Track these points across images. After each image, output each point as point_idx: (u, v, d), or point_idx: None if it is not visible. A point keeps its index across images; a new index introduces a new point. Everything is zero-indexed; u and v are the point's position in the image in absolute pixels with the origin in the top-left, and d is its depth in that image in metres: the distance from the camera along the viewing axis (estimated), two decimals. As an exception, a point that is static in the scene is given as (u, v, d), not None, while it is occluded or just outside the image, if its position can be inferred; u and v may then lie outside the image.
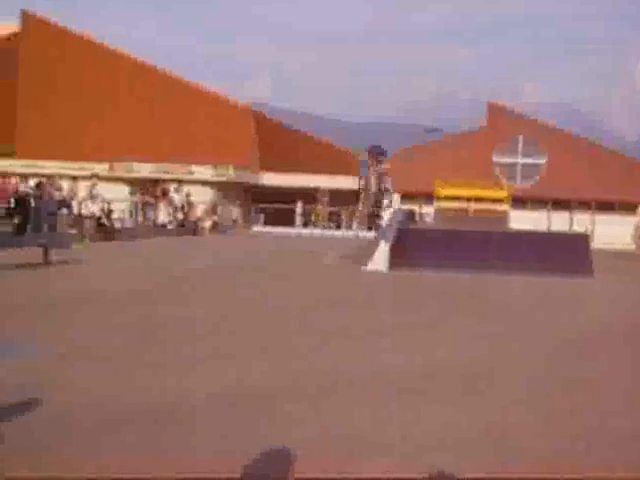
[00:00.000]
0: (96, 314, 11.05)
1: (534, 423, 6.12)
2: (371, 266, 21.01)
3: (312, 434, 5.50)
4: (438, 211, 33.24)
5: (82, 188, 31.86)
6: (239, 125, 50.92)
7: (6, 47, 51.44)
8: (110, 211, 31.18)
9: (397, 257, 21.32)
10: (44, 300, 12.19)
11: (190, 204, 41.91)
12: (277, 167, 50.68)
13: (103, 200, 30.87)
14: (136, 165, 48.01)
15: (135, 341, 8.99)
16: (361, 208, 50.52)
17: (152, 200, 40.54)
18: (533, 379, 7.88)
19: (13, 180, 26.50)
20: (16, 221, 23.98)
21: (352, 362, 8.28)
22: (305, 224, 49.58)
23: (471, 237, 23.94)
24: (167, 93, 51.07)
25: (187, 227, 39.18)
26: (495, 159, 50.28)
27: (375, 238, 26.23)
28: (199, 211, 43.07)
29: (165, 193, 41.43)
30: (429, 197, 38.24)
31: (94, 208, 29.66)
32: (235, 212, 49.88)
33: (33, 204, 25.13)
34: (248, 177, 49.74)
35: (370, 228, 45.07)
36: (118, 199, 37.06)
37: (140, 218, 38.82)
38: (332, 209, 50.85)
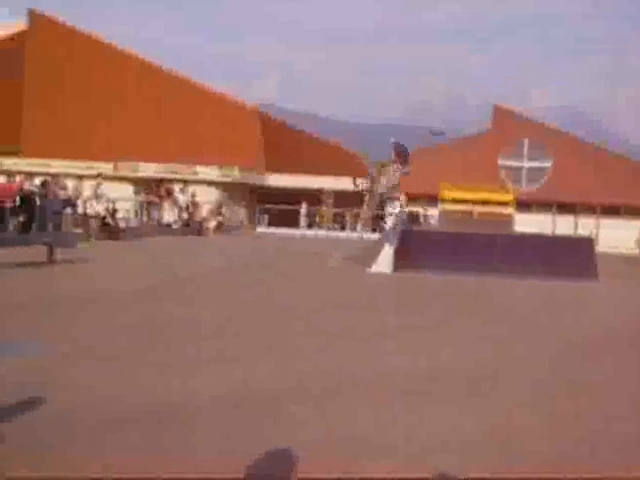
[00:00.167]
0: (100, 313, 11.05)
1: (538, 426, 6.12)
2: (375, 268, 21.00)
3: (317, 435, 5.50)
4: (443, 213, 33.18)
5: (87, 187, 31.92)
6: (245, 126, 50.94)
7: (12, 46, 51.52)
8: (115, 210, 31.22)
9: (401, 259, 21.32)
10: (48, 299, 12.20)
11: (195, 204, 41.93)
12: (282, 168, 50.68)
13: (108, 199, 30.92)
14: (141, 165, 48.04)
15: (140, 341, 8.99)
16: (365, 210, 50.46)
17: (157, 200, 40.56)
18: (537, 382, 7.87)
19: (18, 178, 26.45)
20: (21, 219, 24.01)
21: (357, 364, 8.27)
22: (310, 225, 49.56)
23: (476, 240, 23.90)
24: (174, 94, 51.12)
25: (192, 227, 39.19)
26: (501, 162, 50.16)
27: (379, 240, 26.21)
28: (204, 211, 43.09)
29: (170, 193, 41.44)
30: (434, 199, 38.19)
31: (99, 207, 29.70)
32: (241, 213, 49.89)
33: (38, 203, 25.18)
34: (253, 178, 49.75)
35: (374, 230, 45.03)
36: (123, 198, 37.10)
37: (145, 218, 38.85)
38: (337, 210, 50.82)
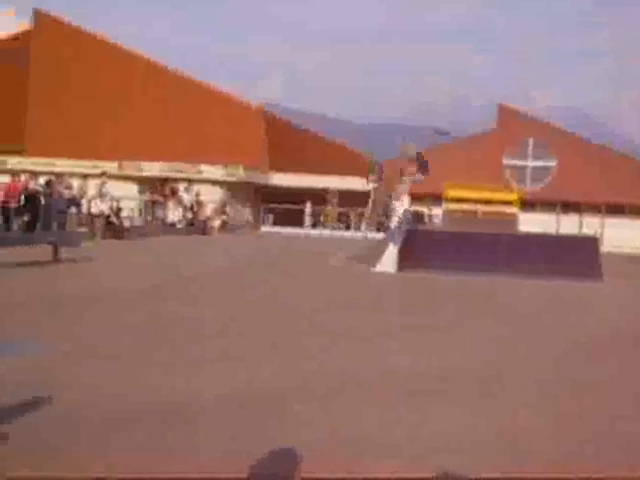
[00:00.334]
0: (104, 312, 11.06)
1: (543, 426, 6.11)
2: (380, 267, 20.99)
3: (321, 435, 5.50)
4: (447, 213, 33.15)
5: (92, 186, 31.95)
6: (250, 126, 50.95)
7: (16, 46, 51.57)
8: (119, 209, 31.24)
9: (406, 259, 21.30)
10: (52, 297, 12.21)
11: (199, 203, 41.96)
12: (287, 167, 50.68)
13: (112, 198, 30.95)
14: (145, 164, 48.08)
15: (144, 340, 8.99)
16: (370, 210, 50.47)
17: (161, 199, 40.62)
18: (542, 382, 7.86)
19: (23, 178, 26.50)
20: (26, 219, 24.08)
21: (361, 364, 8.27)
22: (314, 225, 49.59)
23: (480, 239, 23.88)
24: (181, 94, 51.14)
25: (196, 226, 39.23)
26: (505, 162, 50.21)
27: (384, 239, 26.21)
28: (208, 210, 43.12)
29: (174, 192, 41.49)
30: (438, 199, 38.16)
31: (103, 206, 29.73)
32: (246, 212, 49.91)
33: (43, 202, 25.24)
34: (258, 177, 49.76)
35: (379, 229, 45.04)
36: (127, 197, 37.14)
37: (149, 217, 38.89)
38: (341, 210, 50.83)
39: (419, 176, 31.62)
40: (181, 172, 47.47)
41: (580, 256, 22.92)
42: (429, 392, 7.07)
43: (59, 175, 31.56)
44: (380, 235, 36.71)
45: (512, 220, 31.73)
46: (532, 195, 47.95)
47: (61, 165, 44.99)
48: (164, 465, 4.76)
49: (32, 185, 26.15)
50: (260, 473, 4.69)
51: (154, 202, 40.34)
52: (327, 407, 6.34)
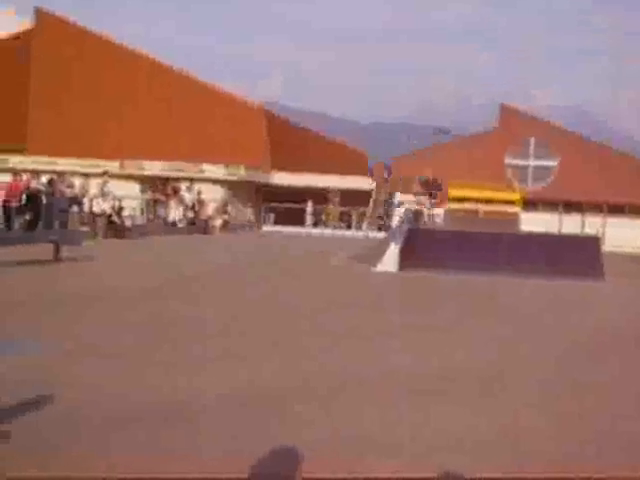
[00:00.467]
0: (106, 311, 11.06)
1: (545, 426, 6.10)
2: (381, 267, 20.98)
3: (322, 435, 5.50)
4: (448, 212, 33.14)
5: (93, 185, 31.95)
6: (252, 125, 50.97)
7: (17, 45, 51.59)
8: (121, 208, 31.24)
9: (407, 258, 21.29)
10: (53, 296, 12.22)
11: (201, 202, 41.97)
12: (288, 166, 50.70)
13: (114, 198, 30.95)
14: (147, 163, 48.09)
15: (145, 339, 8.99)
16: (371, 209, 50.51)
17: (163, 198, 40.62)
18: (544, 382, 7.86)
19: (25, 177, 26.50)
20: (27, 218, 24.05)
21: (362, 363, 8.27)
22: (315, 224, 49.60)
23: (481, 239, 23.86)
24: (185, 94, 51.17)
25: (198, 225, 39.24)
26: (507, 161, 50.20)
27: (385, 239, 26.20)
28: (210, 209, 43.13)
29: (176, 191, 41.49)
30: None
31: (105, 206, 29.73)
32: (248, 212, 49.92)
33: (44, 201, 25.21)
34: (259, 176, 49.77)
35: (380, 229, 45.06)
36: (129, 197, 37.15)
37: (151, 216, 38.89)
38: (343, 209, 50.83)
39: (431, 202, 32.25)
40: (182, 171, 47.49)
41: (582, 256, 22.90)
42: (430, 391, 7.07)
43: (61, 174, 31.54)
44: (382, 234, 36.72)
45: (514, 219, 31.70)
46: (534, 194, 47.94)
47: (63, 164, 44.98)
48: (165, 465, 4.76)
49: (34, 184, 26.14)
50: (261, 473, 4.69)
51: (156, 201, 40.34)
52: (328, 406, 6.34)
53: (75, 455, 4.84)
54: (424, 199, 36.39)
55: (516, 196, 38.06)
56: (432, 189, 36.61)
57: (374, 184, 52.51)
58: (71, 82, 51.16)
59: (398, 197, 48.49)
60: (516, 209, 33.92)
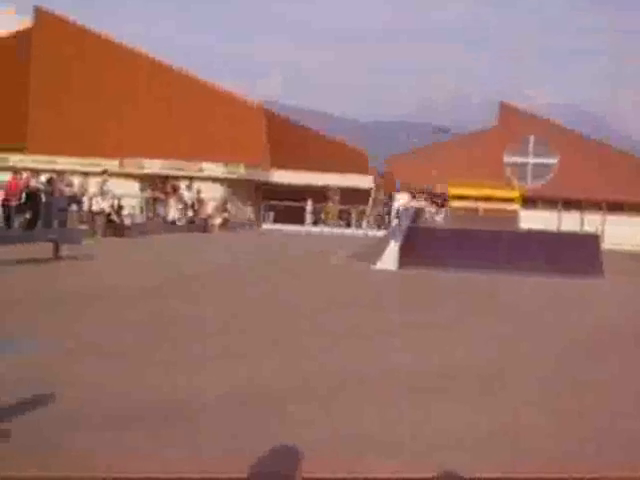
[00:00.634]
0: (106, 310, 11.06)
1: (544, 424, 6.11)
2: (380, 265, 20.98)
3: (323, 434, 5.50)
4: (448, 210, 33.15)
5: (93, 184, 31.92)
6: (251, 123, 50.92)
7: (17, 44, 51.55)
8: (120, 207, 31.21)
9: (407, 256, 21.29)
10: (54, 295, 12.21)
11: (200, 201, 41.94)
12: (288, 165, 50.65)
13: (113, 196, 30.92)
14: (147, 162, 48.04)
15: (145, 338, 9.00)
16: (371, 208, 50.49)
17: (162, 196, 40.61)
18: (543, 380, 7.87)
19: (24, 175, 26.50)
20: (27, 216, 24.06)
21: (362, 362, 8.28)
22: (315, 222, 49.56)
23: (481, 237, 23.88)
24: (185, 93, 51.08)
25: (197, 224, 39.23)
26: (506, 159, 50.19)
27: (385, 237, 26.20)
28: (209, 208, 43.09)
29: (175, 189, 41.48)
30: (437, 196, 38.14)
31: (104, 204, 29.72)
32: (248, 210, 49.88)
33: (44, 200, 25.22)
34: (259, 174, 49.72)
35: (380, 227, 45.04)
36: (128, 195, 37.11)
37: (150, 214, 38.88)
38: (342, 207, 50.80)
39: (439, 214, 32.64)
40: (182, 170, 47.45)
41: (581, 253, 22.92)
42: (431, 390, 7.08)
43: (60, 173, 31.53)
44: (381, 233, 36.70)
45: (513, 217, 31.71)
46: (533, 192, 47.93)
47: (62, 163, 44.94)
48: (165, 464, 4.76)
49: (33, 183, 26.15)
50: (261, 472, 4.69)
51: (155, 200, 40.33)
52: (328, 405, 6.35)
53: (74, 454, 4.84)
54: (425, 203, 36.53)
55: (515, 194, 38.06)
56: (437, 198, 36.92)
57: (373, 183, 52.46)
58: (71, 81, 51.09)
59: (398, 196, 48.49)
60: (515, 207, 33.92)
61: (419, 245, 22.28)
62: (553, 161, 50.01)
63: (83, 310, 10.94)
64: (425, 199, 37.90)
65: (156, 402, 6.16)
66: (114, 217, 29.93)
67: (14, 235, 21.82)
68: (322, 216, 50.57)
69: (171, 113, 50.68)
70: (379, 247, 23.01)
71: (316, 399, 6.53)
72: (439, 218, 33.03)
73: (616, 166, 49.48)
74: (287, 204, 48.08)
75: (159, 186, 43.12)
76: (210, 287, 14.96)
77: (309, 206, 49.79)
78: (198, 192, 42.11)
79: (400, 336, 10.02)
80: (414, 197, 38.11)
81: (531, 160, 50.25)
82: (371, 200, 50.59)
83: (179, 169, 47.50)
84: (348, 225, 49.31)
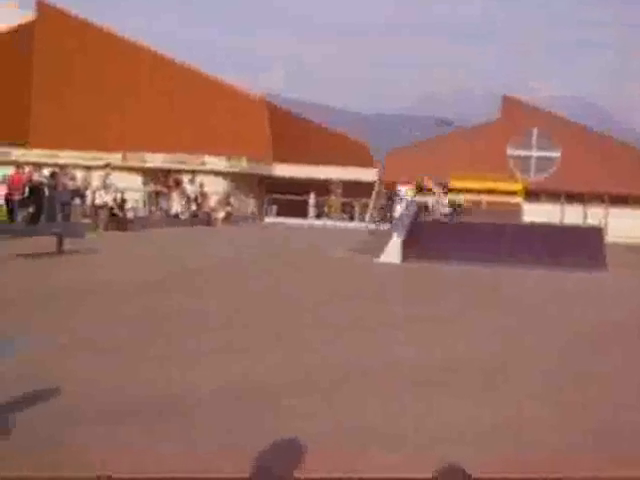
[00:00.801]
0: (109, 303, 11.08)
1: (548, 417, 6.11)
2: (384, 258, 20.97)
3: (325, 427, 5.50)
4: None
5: (96, 178, 31.95)
6: (254, 117, 50.94)
7: (19, 38, 51.57)
8: (123, 201, 31.23)
9: (410, 249, 21.29)
10: (58, 287, 12.23)
11: (204, 195, 41.96)
12: (291, 158, 50.66)
13: (116, 190, 30.92)
14: (149, 155, 48.06)
15: (147, 332, 9.01)
16: (374, 201, 50.48)
17: (165, 190, 40.64)
18: (547, 373, 7.86)
19: (27, 169, 26.53)
20: (30, 210, 24.11)
21: (366, 355, 8.28)
22: (318, 215, 49.57)
23: (484, 229, 23.89)
24: (187, 86, 51.15)
25: (200, 217, 39.24)
26: (509, 152, 50.11)
27: (388, 230, 26.19)
28: (212, 202, 43.10)
29: (178, 183, 41.49)
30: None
31: (107, 198, 29.73)
32: (251, 204, 49.88)
33: (47, 193, 25.26)
34: (261, 168, 49.75)
35: (383, 220, 45.01)
36: (131, 189, 37.14)
37: (153, 208, 38.91)
38: (345, 200, 50.80)
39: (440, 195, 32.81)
40: (185, 163, 47.46)
41: (584, 246, 22.89)
42: (433, 383, 7.08)
43: (63, 167, 31.57)
44: (384, 226, 36.68)
45: (516, 210, 31.74)
46: (536, 185, 47.89)
47: (65, 157, 44.99)
48: (160, 460, 4.75)
49: (36, 177, 26.18)
50: (263, 466, 4.68)
51: (158, 193, 40.36)
52: (331, 398, 6.35)
53: (68, 450, 4.80)
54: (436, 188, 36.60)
55: (518, 187, 38.07)
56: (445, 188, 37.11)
57: (377, 175, 52.43)
58: (73, 75, 51.14)
59: (402, 189, 48.43)
60: (518, 200, 33.93)
61: (422, 238, 22.29)
62: (556, 154, 49.92)
63: (87, 302, 10.99)
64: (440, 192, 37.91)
65: (160, 396, 6.16)
66: (116, 211, 29.94)
67: (17, 229, 21.85)
68: (325, 209, 50.59)
69: (173, 107, 50.73)
70: (382, 240, 23.01)
71: (319, 392, 6.53)
72: (444, 210, 33.10)
73: (618, 158, 49.36)
74: (290, 197, 48.09)
75: (162, 180, 43.13)
76: (213, 281, 14.97)
77: (312, 199, 49.81)
78: (201, 186, 42.11)
79: (403, 329, 10.02)
80: (445, 189, 37.87)
81: (534, 153, 50.16)
82: (374, 193, 50.55)
83: (182, 163, 47.51)
84: (351, 218, 49.31)
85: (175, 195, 40.06)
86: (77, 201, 29.00)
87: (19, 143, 48.51)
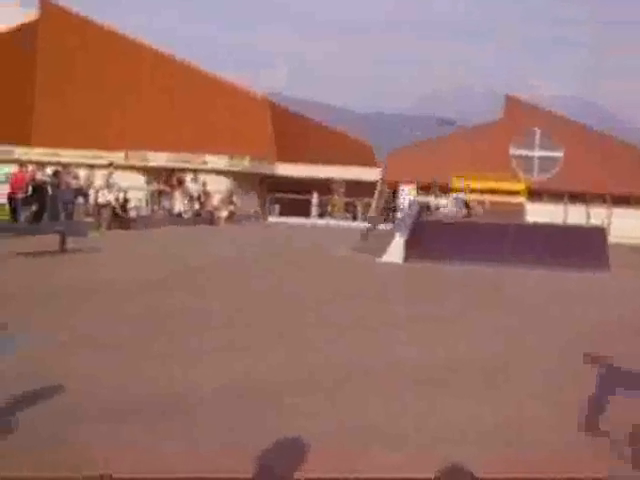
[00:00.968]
0: (114, 301, 11.10)
1: (547, 416, 6.12)
2: (386, 258, 20.97)
3: (328, 427, 5.52)
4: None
5: (99, 177, 31.96)
6: (256, 116, 50.90)
7: (22, 36, 51.60)
8: (126, 200, 31.25)
9: (412, 249, 21.28)
10: (60, 285, 12.25)
11: (207, 194, 41.95)
12: (293, 157, 50.62)
13: (119, 189, 30.94)
14: (152, 154, 48.04)
15: (151, 331, 9.04)
16: (376, 200, 50.44)
17: (168, 189, 40.64)
18: (548, 373, 7.87)
19: (30, 168, 26.56)
20: (33, 209, 24.14)
21: (368, 354, 8.30)
22: (321, 215, 49.56)
23: (487, 229, 23.87)
24: (188, 84, 51.09)
25: (203, 216, 39.25)
26: (512, 152, 50.03)
27: (390, 230, 26.18)
28: (215, 201, 43.09)
29: (181, 182, 41.50)
30: (445, 189, 38.07)
31: (110, 197, 29.75)
32: (254, 203, 49.85)
33: (50, 192, 25.29)
34: (264, 167, 49.71)
35: (385, 220, 44.98)
36: (134, 188, 37.15)
37: (156, 207, 38.92)
38: (348, 200, 50.77)
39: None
40: (187, 162, 47.42)
41: (587, 247, 22.86)
42: (435, 382, 7.09)
43: (66, 165, 31.59)
44: (386, 226, 36.65)
45: (519, 210, 31.69)
46: (539, 185, 47.83)
47: (67, 156, 45.00)
48: (162, 458, 4.77)
49: (39, 176, 26.22)
50: (264, 465, 4.69)
51: (161, 192, 40.37)
52: (333, 397, 6.37)
53: (69, 449, 4.82)
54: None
55: (521, 186, 38.01)
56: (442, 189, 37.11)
57: (380, 175, 52.37)
58: (74, 73, 51.12)
59: (404, 189, 48.41)
60: (521, 199, 33.89)
61: (425, 238, 22.27)
62: (559, 154, 49.83)
63: (89, 300, 11.02)
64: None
65: (159, 396, 6.18)
66: (118, 211, 29.95)
67: (21, 228, 21.89)
68: (328, 209, 50.57)
69: (176, 105, 50.70)
70: (385, 240, 22.99)
71: (321, 391, 6.55)
72: (446, 210, 33.02)
73: (622, 159, 49.23)
74: (293, 197, 48.08)
75: (164, 179, 43.13)
76: (216, 279, 14.99)
77: (315, 199, 49.79)
78: (204, 184, 42.09)
79: (405, 328, 10.03)
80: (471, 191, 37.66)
81: (537, 153, 50.08)
82: (377, 193, 50.52)
83: (185, 162, 47.48)
84: (354, 218, 49.28)
85: (178, 194, 40.07)
86: (80, 200, 29.02)
87: (23, 141, 48.54)
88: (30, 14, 54.07)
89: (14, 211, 24.44)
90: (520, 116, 50.16)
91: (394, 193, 48.20)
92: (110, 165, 33.59)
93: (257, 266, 18.37)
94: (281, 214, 48.15)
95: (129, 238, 25.62)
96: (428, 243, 22.04)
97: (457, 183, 34.72)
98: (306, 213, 48.73)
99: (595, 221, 40.13)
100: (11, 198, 24.74)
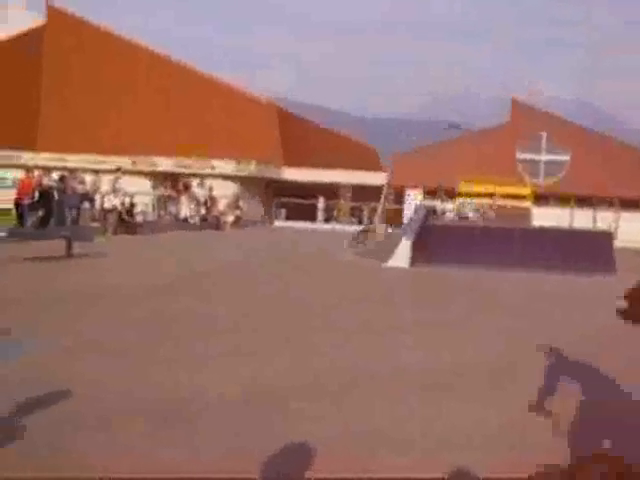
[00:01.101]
0: (121, 307, 11.11)
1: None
2: (392, 262, 20.97)
3: (334, 431, 5.51)
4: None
5: (105, 182, 32.02)
6: (262, 120, 50.89)
7: (26, 42, 51.75)
8: (132, 205, 31.30)
9: (419, 253, 21.27)
10: (66, 291, 12.27)
11: (213, 198, 41.99)
12: (300, 162, 50.62)
13: (125, 194, 30.99)
14: (158, 160, 48.08)
15: (156, 336, 9.04)
16: (382, 205, 50.42)
17: (174, 194, 40.69)
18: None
19: (36, 173, 26.64)
20: (40, 214, 24.19)
21: (374, 359, 8.29)
22: (327, 219, 49.59)
23: (493, 234, 23.84)
24: (184, 85, 51.07)
25: (209, 221, 39.29)
26: (518, 156, 49.96)
27: (397, 234, 26.16)
28: (221, 205, 43.13)
29: (187, 187, 41.55)
30: (450, 193, 37.97)
31: (116, 202, 29.80)
32: (260, 207, 49.88)
33: (56, 197, 25.34)
34: (270, 172, 49.73)
35: (390, 224, 44.94)
36: (141, 193, 37.20)
37: (162, 212, 38.97)
38: (354, 204, 50.78)
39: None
40: (193, 167, 47.42)
41: (594, 251, 22.83)
42: (441, 386, 7.09)
43: (72, 170, 31.65)
44: (393, 230, 36.62)
45: (526, 214, 31.62)
46: (545, 189, 47.76)
47: (73, 161, 45.09)
48: (170, 466, 4.76)
49: (45, 181, 26.29)
50: (270, 469, 4.69)
51: (167, 197, 40.43)
52: (340, 402, 6.36)
53: (73, 454, 4.82)
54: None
55: (527, 190, 37.93)
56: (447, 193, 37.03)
57: (386, 180, 52.34)
58: (72, 75, 51.16)
59: (410, 193, 48.42)
60: (527, 204, 33.82)
61: (431, 242, 22.26)
62: (565, 158, 49.73)
63: (95, 305, 11.03)
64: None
65: (166, 401, 6.18)
66: (124, 216, 29.99)
67: (27, 233, 21.92)
68: (334, 213, 50.60)
69: (173, 106, 50.69)
70: (391, 244, 22.99)
71: (327, 395, 6.54)
72: (451, 215, 32.96)
73: (628, 163, 49.09)
74: (299, 201, 48.10)
75: (171, 184, 43.19)
76: (222, 284, 15.00)
77: (321, 203, 49.82)
78: (210, 189, 42.13)
79: (411, 333, 10.02)
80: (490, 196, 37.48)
81: (543, 157, 50.00)
82: (382, 197, 50.49)
83: (190, 167, 47.51)
84: (360, 222, 49.26)
85: (184, 199, 40.12)
86: (86, 205, 29.08)
87: (29, 147, 48.67)
88: (35, 18, 54.23)
89: (21, 216, 24.50)
90: (526, 119, 50.08)
91: (399, 197, 48.26)
92: (118, 170, 33.63)
93: (263, 271, 18.38)
94: (287, 218, 48.20)
95: (135, 243, 25.65)
96: (435, 247, 22.03)
97: (465, 187, 34.62)
98: (312, 217, 48.76)
99: (602, 225, 40.04)
100: (18, 203, 24.81)
